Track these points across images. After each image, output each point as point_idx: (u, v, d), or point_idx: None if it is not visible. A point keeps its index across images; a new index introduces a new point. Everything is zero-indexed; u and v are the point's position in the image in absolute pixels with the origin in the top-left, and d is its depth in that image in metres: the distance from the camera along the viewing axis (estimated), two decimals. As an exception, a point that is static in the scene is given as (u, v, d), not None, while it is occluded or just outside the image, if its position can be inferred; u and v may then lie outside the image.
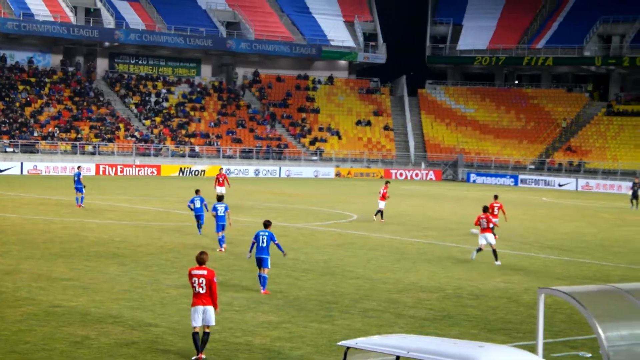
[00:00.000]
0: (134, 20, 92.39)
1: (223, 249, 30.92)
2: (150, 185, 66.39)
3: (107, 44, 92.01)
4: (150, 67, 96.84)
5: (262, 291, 23.31)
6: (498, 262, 30.04)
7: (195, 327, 16.87)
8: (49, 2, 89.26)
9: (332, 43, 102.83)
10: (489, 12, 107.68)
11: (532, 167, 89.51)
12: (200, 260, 16.89)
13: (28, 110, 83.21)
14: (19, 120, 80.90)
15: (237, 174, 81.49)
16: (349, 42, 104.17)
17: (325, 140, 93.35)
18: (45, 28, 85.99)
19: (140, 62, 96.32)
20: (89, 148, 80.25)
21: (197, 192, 35.31)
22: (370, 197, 61.22)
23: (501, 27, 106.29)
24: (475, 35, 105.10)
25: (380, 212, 43.64)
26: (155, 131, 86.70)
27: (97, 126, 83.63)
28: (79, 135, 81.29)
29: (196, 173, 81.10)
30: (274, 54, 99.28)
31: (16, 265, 26.59)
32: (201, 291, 16.69)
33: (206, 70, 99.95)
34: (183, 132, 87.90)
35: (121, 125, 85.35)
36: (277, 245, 23.30)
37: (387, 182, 45.95)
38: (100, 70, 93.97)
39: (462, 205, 56.82)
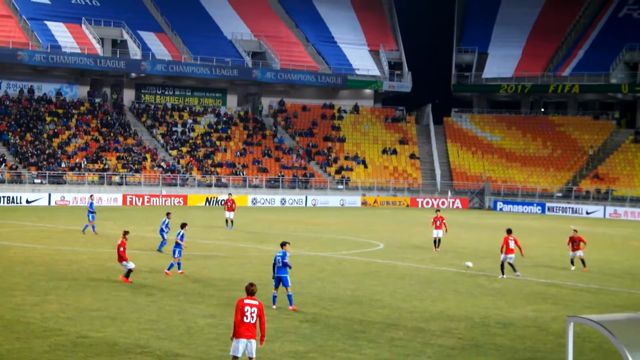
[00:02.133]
0: (160, 51, 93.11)
1: (170, 273, 31.88)
2: (177, 215, 66.39)
3: (133, 75, 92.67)
4: (177, 97, 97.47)
5: (289, 307, 24.69)
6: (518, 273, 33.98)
7: (234, 357, 16.85)
8: (76, 34, 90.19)
9: (358, 72, 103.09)
10: (515, 40, 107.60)
11: (560, 194, 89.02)
12: (251, 291, 17.07)
13: (56, 142, 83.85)
14: (47, 152, 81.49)
15: (263, 203, 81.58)
16: (374, 71, 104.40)
17: (351, 169, 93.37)
18: (73, 60, 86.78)
19: (166, 92, 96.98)
20: (116, 178, 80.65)
21: (167, 214, 39.29)
22: (396, 226, 61.11)
23: (527, 55, 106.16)
24: (501, 63, 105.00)
25: (435, 240, 43.82)
26: (182, 161, 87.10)
27: (124, 157, 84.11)
28: (106, 166, 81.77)
29: (222, 203, 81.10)
30: (300, 84, 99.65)
31: (44, 296, 26.68)
32: (251, 321, 16.74)
33: (232, 100, 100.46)
34: (209, 162, 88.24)
35: (148, 155, 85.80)
36: (285, 263, 24.77)
37: (437, 211, 45.76)
38: (127, 101, 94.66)
39: (489, 233, 56.54)
